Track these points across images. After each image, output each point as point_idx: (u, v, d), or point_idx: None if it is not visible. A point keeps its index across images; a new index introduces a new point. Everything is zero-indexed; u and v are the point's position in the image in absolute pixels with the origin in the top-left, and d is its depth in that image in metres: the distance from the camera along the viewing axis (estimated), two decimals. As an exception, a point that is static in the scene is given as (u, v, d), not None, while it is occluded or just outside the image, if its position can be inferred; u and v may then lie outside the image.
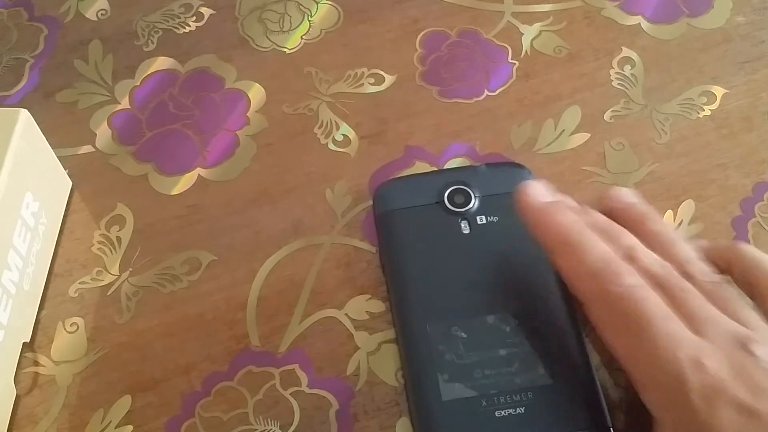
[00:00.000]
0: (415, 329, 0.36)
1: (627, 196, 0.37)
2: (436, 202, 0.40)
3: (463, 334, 0.36)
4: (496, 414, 0.34)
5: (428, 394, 0.35)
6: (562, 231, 0.34)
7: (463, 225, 0.39)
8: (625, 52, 0.47)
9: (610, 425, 0.34)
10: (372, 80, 0.47)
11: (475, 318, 0.36)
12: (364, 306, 0.39)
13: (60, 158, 0.42)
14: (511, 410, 0.34)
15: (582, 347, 0.36)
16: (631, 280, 0.32)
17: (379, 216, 0.40)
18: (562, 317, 0.37)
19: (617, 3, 0.49)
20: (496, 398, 0.34)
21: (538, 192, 0.36)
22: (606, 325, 0.32)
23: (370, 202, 0.42)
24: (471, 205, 0.40)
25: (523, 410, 0.34)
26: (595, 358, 0.36)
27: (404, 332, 0.37)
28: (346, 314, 0.39)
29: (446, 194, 0.40)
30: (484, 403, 0.34)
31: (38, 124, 0.40)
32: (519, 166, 0.42)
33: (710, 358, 0.29)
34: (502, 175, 0.41)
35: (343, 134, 0.45)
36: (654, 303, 0.31)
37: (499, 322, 0.36)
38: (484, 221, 0.39)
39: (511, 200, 0.37)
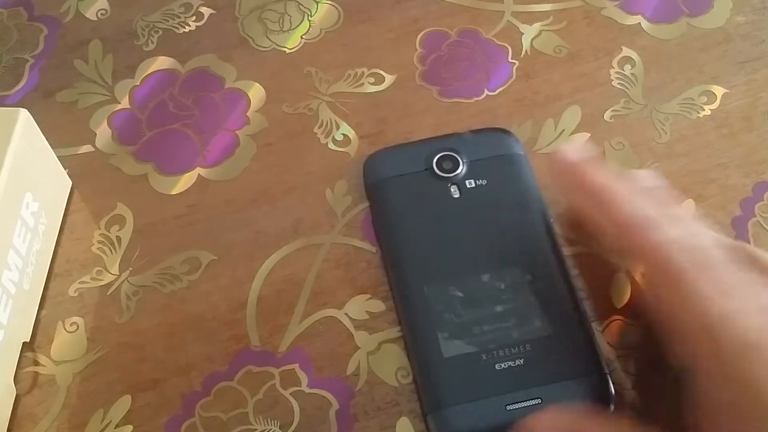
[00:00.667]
0: (413, 292, 0.38)
1: (651, 178, 0.37)
2: (426, 169, 0.41)
3: (459, 293, 0.37)
4: (496, 367, 0.35)
5: (429, 352, 0.36)
6: (604, 183, 0.35)
7: (453, 190, 0.40)
8: (625, 51, 0.47)
9: (607, 372, 0.36)
10: (372, 80, 0.47)
11: (470, 277, 0.38)
12: (364, 306, 0.39)
13: (60, 158, 0.42)
14: (510, 362, 0.36)
15: (576, 299, 0.38)
16: (673, 232, 0.32)
17: (371, 186, 0.42)
18: (555, 271, 0.38)
19: (617, 3, 0.49)
20: (495, 352, 0.36)
21: (575, 151, 0.37)
22: (644, 276, 0.33)
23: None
24: (459, 170, 0.41)
25: (522, 362, 0.36)
26: (588, 309, 0.38)
27: (402, 296, 0.38)
28: (346, 314, 0.39)
29: (435, 161, 0.41)
30: (483, 357, 0.36)
31: (38, 124, 0.40)
32: (504, 131, 0.43)
33: (741, 318, 0.29)
34: (488, 140, 0.42)
35: (343, 134, 0.45)
36: (691, 258, 0.31)
37: (494, 279, 0.38)
38: (473, 185, 0.40)
39: (499, 163, 0.40)
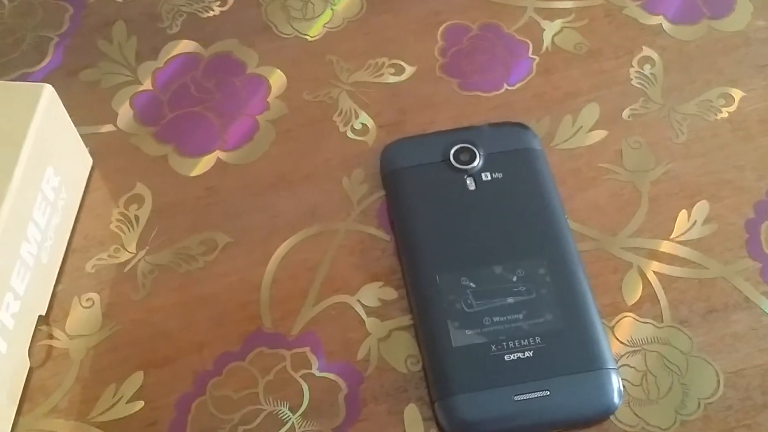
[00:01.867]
0: (425, 281, 0.38)
1: None
2: (443, 161, 0.41)
3: (471, 284, 0.38)
4: (506, 358, 0.36)
5: (439, 341, 0.36)
6: None
7: (468, 182, 0.41)
8: (646, 51, 0.47)
9: (616, 367, 0.36)
10: (392, 70, 0.47)
11: (482, 269, 0.38)
12: (376, 293, 0.39)
13: (82, 136, 0.43)
14: (519, 354, 0.36)
15: (586, 293, 0.38)
16: None
17: (387, 174, 0.42)
18: (567, 266, 0.39)
19: (639, 2, 0.49)
20: (504, 343, 0.36)
21: None
22: None
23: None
24: (476, 163, 0.41)
25: (531, 354, 0.36)
26: (595, 290, 0.38)
27: (415, 284, 0.38)
28: (358, 300, 0.39)
29: (452, 152, 0.42)
30: (493, 348, 0.36)
31: (61, 101, 0.40)
32: (522, 125, 0.43)
33: None
34: (505, 134, 0.43)
35: (362, 123, 0.45)
36: None
37: (506, 272, 0.38)
38: (489, 178, 0.41)
39: (515, 157, 0.41)
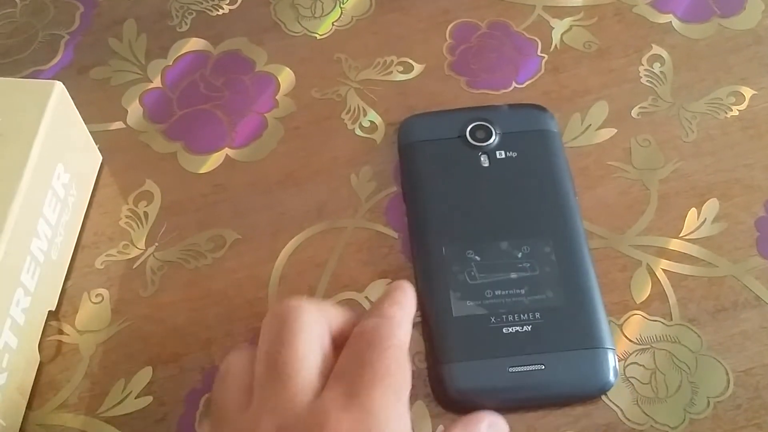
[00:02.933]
0: (431, 251, 0.39)
1: None
2: (459, 137, 0.42)
3: (476, 257, 0.38)
4: (504, 330, 0.37)
5: (440, 310, 0.37)
6: None
7: (483, 159, 0.41)
8: (655, 49, 0.47)
9: (613, 347, 0.36)
10: (401, 68, 0.47)
11: (489, 243, 0.39)
12: (384, 290, 0.39)
13: (92, 133, 0.43)
14: (518, 328, 0.37)
15: (590, 274, 0.38)
16: None
17: (404, 147, 0.43)
18: (573, 246, 0.39)
19: (649, 1, 0.49)
20: (504, 316, 0.37)
21: None
22: None
23: (394, 188, 0.42)
24: (491, 141, 0.42)
25: (530, 328, 0.37)
26: (603, 287, 0.38)
27: (420, 253, 0.39)
28: (366, 297, 0.39)
29: (468, 129, 0.42)
30: (492, 320, 0.37)
31: (72, 98, 0.40)
32: (540, 107, 0.44)
33: None
34: (523, 115, 0.43)
35: (370, 120, 0.45)
36: None
37: (512, 248, 0.39)
38: (503, 156, 0.41)
39: (531, 137, 0.42)
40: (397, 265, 0.40)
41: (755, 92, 0.45)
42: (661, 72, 0.46)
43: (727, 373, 0.37)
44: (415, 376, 0.36)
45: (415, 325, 0.38)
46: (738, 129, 0.44)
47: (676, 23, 0.48)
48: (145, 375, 0.37)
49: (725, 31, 0.48)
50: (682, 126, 0.44)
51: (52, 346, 0.39)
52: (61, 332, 0.39)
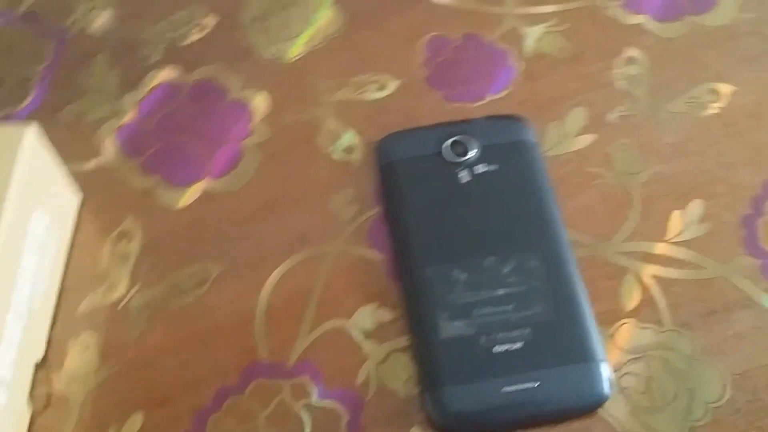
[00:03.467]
0: (416, 271, 0.38)
1: None
2: (437, 153, 0.42)
3: (462, 275, 0.38)
4: (495, 349, 0.36)
5: (429, 332, 0.37)
6: None
7: (462, 174, 0.41)
8: (630, 51, 0.47)
9: (604, 358, 0.36)
10: (376, 86, 0.47)
11: (473, 260, 0.38)
12: (372, 315, 0.39)
13: (68, 172, 0.43)
14: (508, 346, 0.36)
15: (578, 286, 0.38)
16: None
17: (383, 167, 0.42)
18: (558, 258, 0.39)
19: (620, 2, 0.49)
20: (494, 335, 0.36)
21: None
22: None
23: (377, 210, 0.42)
24: (471, 155, 0.41)
25: (520, 345, 0.36)
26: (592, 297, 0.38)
27: (407, 275, 0.39)
28: (354, 324, 0.39)
29: (446, 145, 0.42)
30: (483, 339, 0.36)
31: (46, 139, 0.40)
32: (517, 117, 0.43)
33: None
34: (500, 127, 0.43)
35: (348, 142, 0.45)
36: None
37: (497, 264, 0.38)
38: (483, 170, 0.41)
39: (510, 149, 0.41)
40: (384, 288, 0.40)
41: (733, 88, 0.45)
42: (636, 74, 0.46)
43: (723, 377, 0.36)
44: (409, 401, 0.37)
45: (405, 348, 0.38)
46: (718, 127, 0.44)
47: (649, 24, 0.48)
48: (136, 421, 0.37)
49: (699, 29, 0.47)
50: (661, 127, 0.44)
51: (42, 397, 0.38)
52: (49, 382, 0.38)
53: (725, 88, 0.45)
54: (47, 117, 0.47)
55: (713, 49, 0.46)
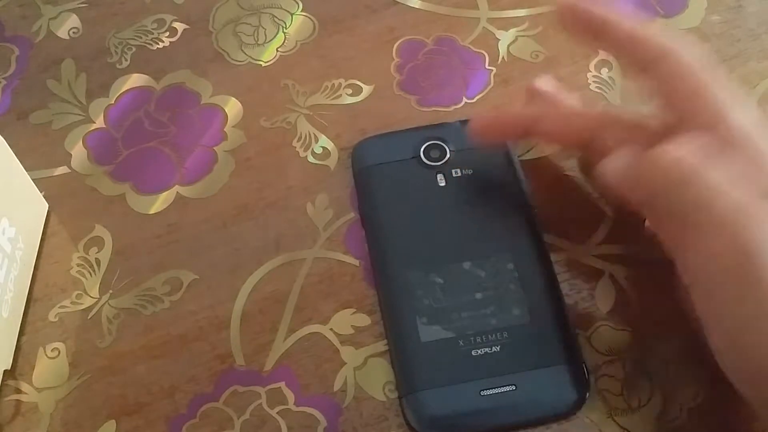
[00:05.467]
0: (394, 276, 0.38)
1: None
2: (413, 157, 0.42)
3: (440, 279, 0.38)
4: (473, 353, 0.36)
5: (407, 336, 0.37)
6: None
7: (439, 178, 0.41)
8: (602, 54, 0.47)
9: (584, 361, 0.36)
10: (350, 91, 0.46)
11: (451, 264, 0.38)
12: (349, 320, 0.39)
13: (35, 180, 0.42)
14: (487, 349, 0.36)
15: (555, 289, 0.38)
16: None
17: (358, 172, 0.42)
18: (535, 261, 0.39)
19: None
20: (472, 338, 0.36)
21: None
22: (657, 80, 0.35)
23: (352, 215, 0.42)
24: (446, 159, 0.41)
25: (498, 348, 0.36)
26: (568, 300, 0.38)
27: (384, 280, 0.39)
28: (331, 329, 0.38)
29: (422, 149, 0.42)
30: (461, 343, 0.36)
31: (12, 147, 0.39)
32: None
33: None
34: None
35: (322, 146, 0.44)
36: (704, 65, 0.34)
37: (475, 267, 0.38)
38: (459, 174, 0.41)
39: (485, 153, 0.42)
40: (360, 293, 0.39)
41: (704, 91, 0.45)
42: (609, 77, 0.46)
43: (698, 379, 0.36)
44: (386, 406, 0.36)
45: (382, 353, 0.38)
46: (690, 129, 0.44)
47: (620, 27, 0.48)
48: (108, 429, 0.36)
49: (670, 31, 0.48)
50: (635, 130, 0.44)
51: (11, 407, 0.37)
52: (18, 391, 0.38)
53: (696, 91, 0.45)
54: (13, 124, 0.46)
55: (684, 52, 0.47)
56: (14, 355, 0.38)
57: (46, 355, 0.39)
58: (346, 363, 0.38)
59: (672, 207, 0.32)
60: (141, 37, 0.49)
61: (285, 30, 0.49)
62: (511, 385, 0.35)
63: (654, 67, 0.34)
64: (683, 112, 0.33)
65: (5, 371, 0.38)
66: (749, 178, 0.30)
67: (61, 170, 0.44)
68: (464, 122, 0.43)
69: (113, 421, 0.37)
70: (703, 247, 0.31)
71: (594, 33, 0.36)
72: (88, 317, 0.39)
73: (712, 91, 0.32)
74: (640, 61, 0.35)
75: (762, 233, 0.29)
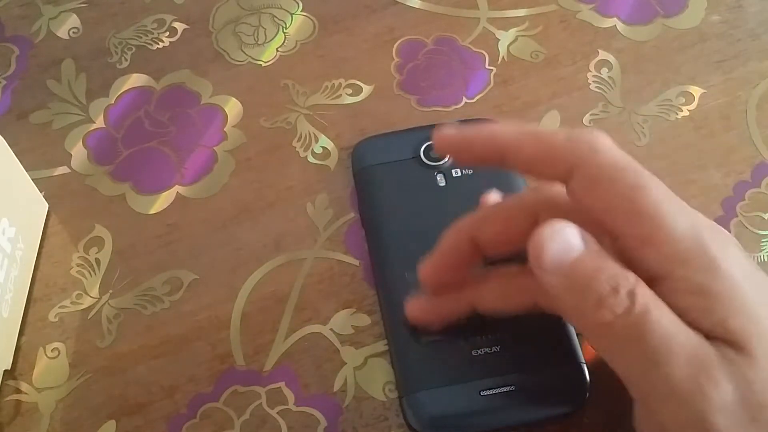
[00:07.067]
0: (394, 276, 0.38)
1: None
2: (413, 157, 0.42)
3: None
4: (473, 353, 0.36)
5: (407, 336, 0.37)
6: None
7: (438, 178, 0.41)
8: (602, 54, 0.47)
9: (582, 361, 0.36)
10: (350, 91, 0.46)
11: None
12: (349, 320, 0.39)
13: (35, 180, 0.42)
14: (486, 349, 0.36)
15: None
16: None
17: (358, 172, 0.42)
18: None
19: (592, 6, 0.49)
20: (472, 338, 0.36)
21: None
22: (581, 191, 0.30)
23: (352, 215, 0.42)
24: (446, 159, 0.41)
25: (498, 348, 0.36)
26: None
27: (384, 280, 0.39)
28: (331, 329, 0.38)
29: (422, 149, 0.42)
30: (460, 343, 0.36)
31: (12, 147, 0.39)
32: (492, 122, 0.43)
33: None
34: None
35: (322, 146, 0.44)
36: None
37: None
38: (459, 174, 0.41)
39: None
40: (361, 293, 0.39)
41: (704, 91, 0.45)
42: (609, 77, 0.46)
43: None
44: (386, 406, 0.36)
45: (382, 353, 0.38)
46: (690, 129, 0.44)
47: (620, 26, 0.48)
48: (108, 429, 0.36)
49: (670, 31, 0.48)
50: (634, 130, 0.44)
51: (11, 407, 0.37)
52: (18, 391, 0.38)
53: (696, 91, 0.45)
54: (13, 124, 0.46)
55: (684, 51, 0.47)
56: (14, 355, 0.38)
57: (46, 355, 0.38)
58: (346, 363, 0.38)
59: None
60: (141, 37, 0.49)
61: (285, 30, 0.49)
62: (511, 385, 0.35)
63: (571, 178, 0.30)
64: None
65: (5, 371, 0.38)
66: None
67: (61, 170, 0.44)
68: (464, 122, 0.43)
69: (113, 421, 0.36)
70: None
71: (489, 159, 0.32)
72: (88, 317, 0.39)
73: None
74: (553, 176, 0.30)
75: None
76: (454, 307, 0.35)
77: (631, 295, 0.27)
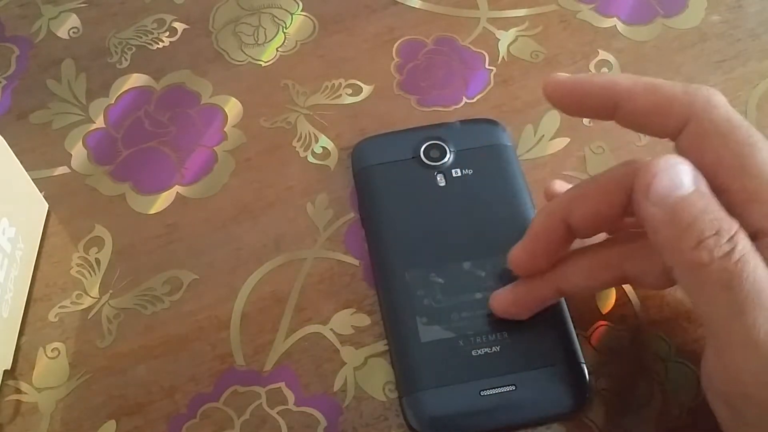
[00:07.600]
0: (394, 276, 0.38)
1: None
2: (413, 157, 0.42)
3: (440, 279, 0.38)
4: (473, 353, 0.36)
5: (407, 336, 0.37)
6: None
7: (439, 178, 0.41)
8: (602, 54, 0.47)
9: (582, 360, 0.36)
10: (350, 91, 0.46)
11: (451, 265, 0.38)
12: (349, 320, 0.39)
13: (35, 180, 0.42)
14: (486, 349, 0.36)
15: None
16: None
17: (358, 172, 0.42)
18: None
19: (592, 6, 0.49)
20: (472, 338, 0.36)
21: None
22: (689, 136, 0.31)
23: (352, 215, 0.42)
24: (446, 159, 0.41)
25: (498, 349, 0.36)
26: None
27: (384, 280, 0.39)
28: (331, 329, 0.38)
29: (422, 149, 0.42)
30: (461, 343, 0.36)
31: (12, 147, 0.39)
32: (493, 121, 0.43)
33: None
34: (476, 130, 0.43)
35: (322, 146, 0.44)
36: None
37: (475, 267, 0.38)
38: (459, 174, 0.41)
39: (486, 153, 0.41)
40: (361, 293, 0.39)
41: (704, 91, 0.45)
42: (609, 77, 0.46)
43: (699, 378, 0.36)
44: (386, 406, 0.36)
45: (382, 353, 0.38)
46: (690, 129, 0.44)
47: (620, 26, 0.48)
48: (108, 429, 0.36)
49: (670, 31, 0.48)
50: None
51: (10, 407, 0.37)
52: (18, 391, 0.38)
53: (696, 91, 0.45)
54: (13, 124, 0.46)
55: (684, 51, 0.47)
56: (14, 355, 0.38)
57: (46, 355, 0.39)
58: (346, 363, 0.38)
59: None
60: (141, 37, 0.49)
61: (285, 30, 0.49)
62: (511, 385, 0.35)
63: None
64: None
65: (5, 371, 0.38)
66: None
67: (61, 170, 0.44)
68: (464, 122, 0.43)
69: (113, 421, 0.36)
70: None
71: (600, 109, 0.33)
72: (88, 317, 0.39)
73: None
74: (665, 128, 0.32)
75: None
76: (538, 294, 0.35)
77: (732, 241, 0.28)
